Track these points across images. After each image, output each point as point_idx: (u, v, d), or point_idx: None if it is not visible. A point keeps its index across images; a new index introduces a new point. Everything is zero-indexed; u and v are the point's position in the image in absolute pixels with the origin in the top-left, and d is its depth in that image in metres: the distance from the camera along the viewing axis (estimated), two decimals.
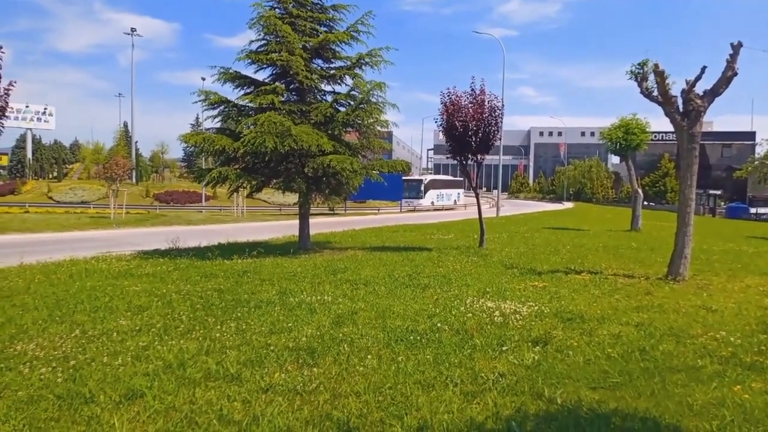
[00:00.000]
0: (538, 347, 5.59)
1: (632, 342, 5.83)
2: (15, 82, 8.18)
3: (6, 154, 61.70)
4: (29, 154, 59.66)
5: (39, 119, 53.29)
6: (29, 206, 40.20)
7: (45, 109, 50.78)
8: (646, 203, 40.89)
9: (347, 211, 42.62)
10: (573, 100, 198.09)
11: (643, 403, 4.24)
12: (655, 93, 10.90)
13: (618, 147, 25.88)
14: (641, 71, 11.35)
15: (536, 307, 7.41)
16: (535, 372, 4.87)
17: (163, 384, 4.49)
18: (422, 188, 53.07)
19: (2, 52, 7.91)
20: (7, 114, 8.36)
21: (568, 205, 67.54)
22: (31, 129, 53.63)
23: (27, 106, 45.09)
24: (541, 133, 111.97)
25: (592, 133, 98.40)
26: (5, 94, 8.07)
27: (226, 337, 5.84)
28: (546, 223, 28.98)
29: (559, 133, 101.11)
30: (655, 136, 62.15)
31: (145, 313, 6.98)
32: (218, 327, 6.26)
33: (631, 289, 9.04)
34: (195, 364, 4.96)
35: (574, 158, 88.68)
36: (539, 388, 4.49)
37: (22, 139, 61.61)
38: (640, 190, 25.69)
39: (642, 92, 11.38)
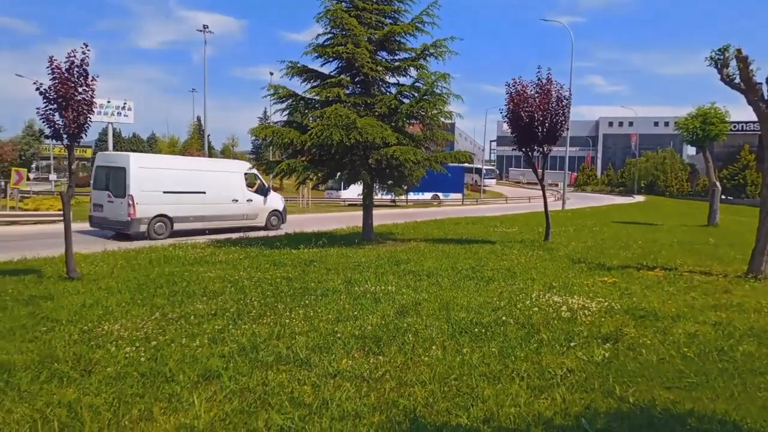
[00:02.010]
0: (608, 344, 5.45)
1: (709, 342, 5.58)
2: (98, 76, 8.63)
3: (90, 147, 65.67)
4: (110, 147, 62.99)
5: (119, 113, 56.17)
6: None
7: (125, 104, 53.42)
8: (724, 197, 38.62)
9: (408, 203, 42.66)
10: (645, 89, 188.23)
11: (721, 405, 4.06)
12: (737, 80, 10.26)
13: (695, 137, 24.47)
14: (722, 57, 10.69)
15: (606, 303, 7.20)
16: (606, 369, 4.76)
17: (238, 366, 4.71)
18: None
19: (88, 50, 8.43)
20: (93, 109, 8.81)
21: (639, 198, 64.70)
22: (112, 123, 56.61)
23: (108, 102, 47.53)
24: (611, 124, 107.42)
25: (666, 123, 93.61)
26: (90, 89, 8.55)
27: (295, 323, 6.04)
28: (615, 217, 27.93)
29: (630, 123, 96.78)
30: (735, 126, 58.42)
31: (219, 298, 7.32)
32: (287, 313, 6.48)
33: (709, 287, 8.61)
34: (267, 348, 5.17)
35: (646, 149, 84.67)
36: (610, 385, 4.39)
37: (104, 132, 65.33)
38: (717, 183, 24.26)
39: (722, 79, 10.73)
